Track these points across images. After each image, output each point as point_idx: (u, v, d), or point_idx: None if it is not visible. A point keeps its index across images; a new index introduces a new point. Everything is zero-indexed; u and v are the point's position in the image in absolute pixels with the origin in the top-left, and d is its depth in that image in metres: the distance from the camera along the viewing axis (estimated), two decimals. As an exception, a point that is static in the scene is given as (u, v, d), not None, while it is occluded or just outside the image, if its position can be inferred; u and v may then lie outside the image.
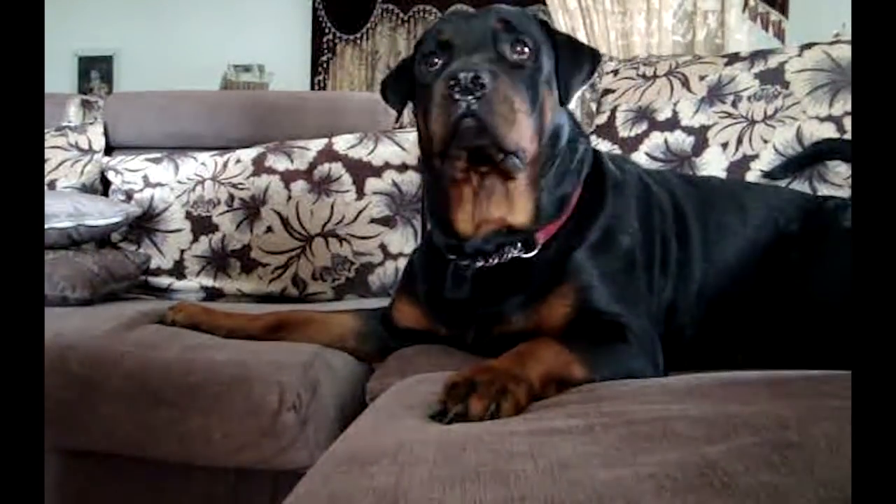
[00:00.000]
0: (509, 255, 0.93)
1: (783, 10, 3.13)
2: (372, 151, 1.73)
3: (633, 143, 1.46)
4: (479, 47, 0.86)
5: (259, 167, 1.73)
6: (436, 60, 0.89)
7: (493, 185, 0.90)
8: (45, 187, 1.77)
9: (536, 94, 0.87)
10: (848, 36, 2.55)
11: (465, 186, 0.92)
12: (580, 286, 0.90)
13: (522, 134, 0.84)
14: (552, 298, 0.91)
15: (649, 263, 0.98)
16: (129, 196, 1.76)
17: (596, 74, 1.04)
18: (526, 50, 0.88)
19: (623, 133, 1.48)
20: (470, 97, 0.79)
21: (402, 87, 0.99)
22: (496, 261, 0.93)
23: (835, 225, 1.04)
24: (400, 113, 1.05)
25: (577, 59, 0.96)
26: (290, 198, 1.69)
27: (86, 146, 1.90)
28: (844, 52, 1.38)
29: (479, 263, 0.94)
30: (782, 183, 1.31)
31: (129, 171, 1.80)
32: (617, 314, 0.89)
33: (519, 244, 0.93)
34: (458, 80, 0.79)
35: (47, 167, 1.83)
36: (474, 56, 0.84)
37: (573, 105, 1.07)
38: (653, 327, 0.92)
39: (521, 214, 0.92)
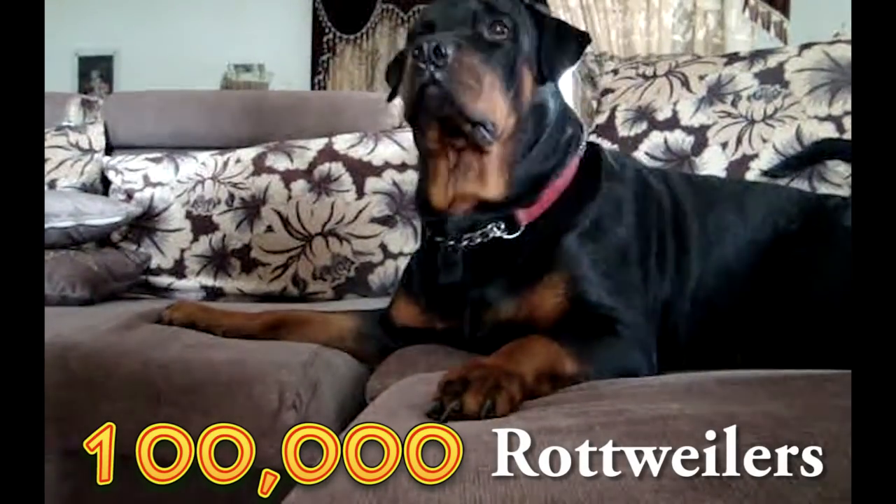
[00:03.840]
0: (492, 235, 0.94)
1: (784, 9, 3.13)
2: (372, 151, 1.73)
3: (632, 143, 1.46)
4: (456, 26, 0.90)
5: (259, 167, 1.73)
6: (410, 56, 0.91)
7: (468, 160, 0.93)
8: (46, 187, 1.77)
9: (513, 71, 0.91)
10: (848, 36, 2.55)
11: (440, 160, 0.95)
12: (571, 276, 0.91)
13: (491, 106, 0.87)
14: (542, 287, 0.91)
15: (645, 258, 0.98)
16: (129, 196, 1.76)
17: (584, 56, 1.07)
18: (503, 29, 0.91)
19: (623, 133, 1.48)
20: (432, 66, 0.82)
21: (398, 69, 1.02)
22: (479, 240, 0.94)
23: (835, 224, 1.04)
24: (393, 94, 1.08)
25: (561, 40, 0.99)
26: (290, 197, 1.69)
27: (86, 146, 1.90)
28: (844, 52, 1.38)
29: (464, 243, 0.95)
30: (782, 182, 1.31)
31: (130, 170, 1.80)
32: (609, 307, 0.89)
33: (502, 224, 0.94)
34: (422, 50, 0.82)
35: (47, 167, 1.83)
36: (449, 33, 0.87)
37: (569, 98, 1.09)
38: (647, 321, 0.92)
39: (492, 189, 0.94)
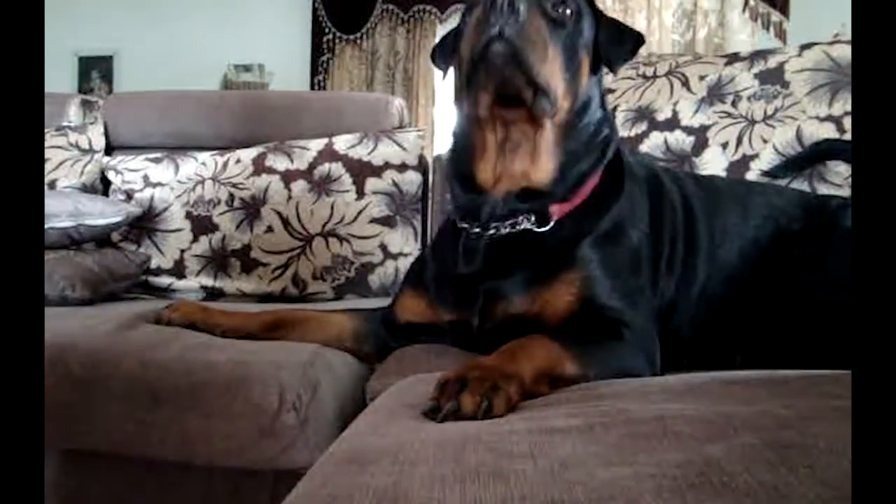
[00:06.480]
0: (521, 227, 0.93)
1: (784, 10, 3.13)
2: (372, 151, 1.73)
3: (632, 143, 1.46)
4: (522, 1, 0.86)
5: (259, 167, 1.73)
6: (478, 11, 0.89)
7: (519, 135, 0.91)
8: (46, 187, 1.77)
9: (574, 52, 0.90)
10: (848, 36, 2.55)
11: (489, 133, 0.93)
12: (586, 276, 0.90)
13: (555, 75, 0.85)
14: (558, 284, 0.91)
15: (655, 261, 0.98)
16: (129, 196, 1.77)
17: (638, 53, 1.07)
18: (567, 11, 0.89)
19: (623, 133, 1.48)
20: (503, 20, 0.80)
21: (448, 50, 1.03)
22: (507, 230, 0.93)
23: (836, 224, 1.04)
24: (445, 73, 1.08)
25: (620, 35, 0.99)
26: (290, 197, 1.69)
27: (86, 146, 1.90)
28: (844, 52, 1.38)
29: (491, 231, 0.94)
30: (782, 182, 1.31)
31: (130, 170, 1.80)
32: (617, 310, 0.89)
33: (533, 217, 0.93)
34: (495, 3, 0.80)
35: (47, 167, 1.83)
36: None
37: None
38: (653, 326, 0.92)
39: (541, 172, 0.93)
